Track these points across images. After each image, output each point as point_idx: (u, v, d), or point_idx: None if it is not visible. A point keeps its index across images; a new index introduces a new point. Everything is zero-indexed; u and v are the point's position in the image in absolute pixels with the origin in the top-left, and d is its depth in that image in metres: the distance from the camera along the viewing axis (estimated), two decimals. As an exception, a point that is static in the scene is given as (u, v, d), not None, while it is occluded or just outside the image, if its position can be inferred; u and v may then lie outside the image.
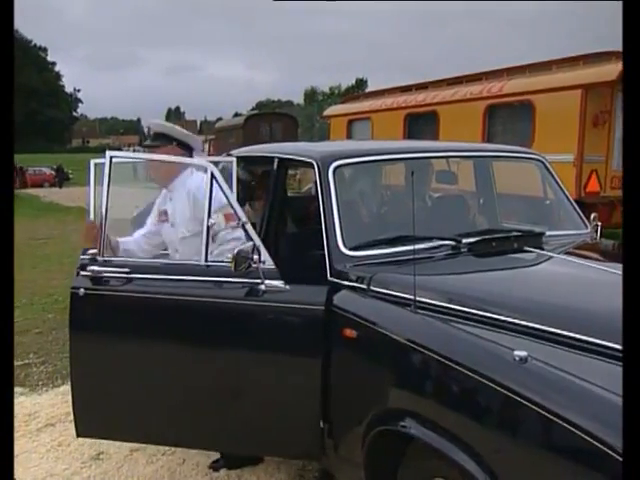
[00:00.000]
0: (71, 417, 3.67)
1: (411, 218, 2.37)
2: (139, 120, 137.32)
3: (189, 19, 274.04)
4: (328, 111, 15.74)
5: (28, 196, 25.31)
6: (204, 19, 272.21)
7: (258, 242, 2.64)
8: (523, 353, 1.74)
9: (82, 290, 2.79)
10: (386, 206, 3.27)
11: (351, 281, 2.59)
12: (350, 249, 2.71)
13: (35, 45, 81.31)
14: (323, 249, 2.73)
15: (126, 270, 2.82)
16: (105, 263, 2.87)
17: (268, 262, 2.64)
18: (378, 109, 12.74)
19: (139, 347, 2.83)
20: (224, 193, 2.77)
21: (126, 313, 2.83)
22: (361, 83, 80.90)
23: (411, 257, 2.57)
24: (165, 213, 3.15)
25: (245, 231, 2.69)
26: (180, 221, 3.05)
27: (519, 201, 3.92)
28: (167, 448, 3.36)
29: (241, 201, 3.33)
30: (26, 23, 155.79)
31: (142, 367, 2.85)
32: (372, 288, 2.48)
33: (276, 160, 3.33)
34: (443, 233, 2.85)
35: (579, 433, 1.52)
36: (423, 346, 2.05)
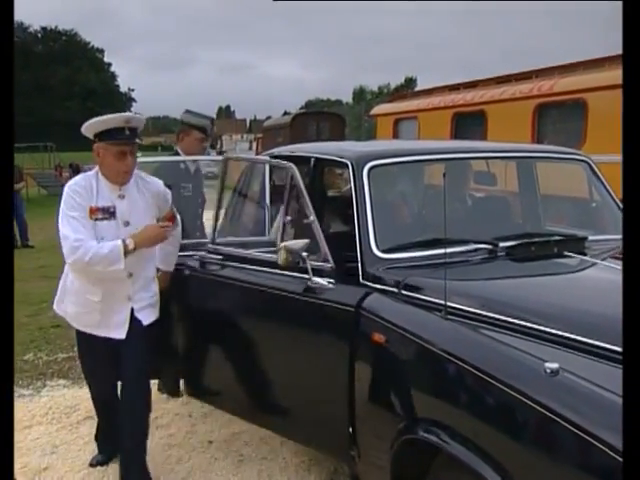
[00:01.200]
0: (109, 411, 3.81)
1: (447, 220, 2.32)
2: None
3: (245, 19, 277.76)
4: (375, 110, 15.62)
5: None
6: (260, 19, 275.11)
7: (322, 242, 2.66)
8: (554, 365, 1.67)
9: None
10: (421, 208, 3.21)
11: (383, 284, 2.55)
12: (383, 251, 2.67)
13: (93, 47, 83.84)
14: (355, 250, 2.70)
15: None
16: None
17: (324, 260, 2.67)
18: (425, 108, 12.55)
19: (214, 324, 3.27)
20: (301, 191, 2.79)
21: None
22: (410, 82, 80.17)
23: (445, 261, 2.53)
24: (107, 210, 2.89)
25: (311, 229, 2.73)
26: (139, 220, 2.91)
27: (564, 203, 3.78)
28: (201, 446, 3.39)
29: (275, 200, 3.34)
30: (85, 26, 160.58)
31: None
32: (403, 292, 2.43)
33: (312, 160, 3.31)
34: (480, 236, 2.77)
35: (611, 453, 1.44)
36: (451, 354, 1.99)
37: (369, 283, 2.61)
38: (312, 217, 2.71)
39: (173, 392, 3.90)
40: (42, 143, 25.76)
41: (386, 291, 2.50)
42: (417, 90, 15.61)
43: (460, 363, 1.96)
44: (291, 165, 2.87)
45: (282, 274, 2.81)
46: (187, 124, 4.07)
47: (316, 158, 3.28)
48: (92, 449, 3.38)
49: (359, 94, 79.45)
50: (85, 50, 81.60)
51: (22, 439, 3.49)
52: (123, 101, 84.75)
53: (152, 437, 3.47)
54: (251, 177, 3.67)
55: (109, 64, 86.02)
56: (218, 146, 52.75)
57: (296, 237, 2.90)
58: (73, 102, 70.75)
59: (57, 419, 3.73)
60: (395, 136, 13.45)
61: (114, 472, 3.10)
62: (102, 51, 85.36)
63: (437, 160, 3.10)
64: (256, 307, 3.04)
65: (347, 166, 2.90)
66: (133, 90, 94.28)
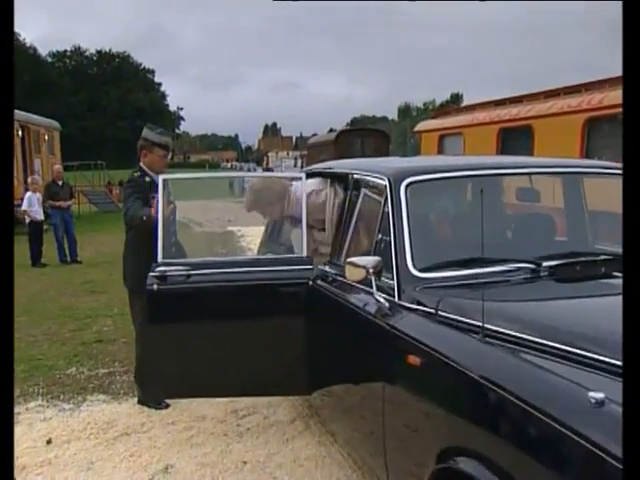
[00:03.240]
0: (145, 428, 3.83)
1: (487, 239, 2.23)
2: (237, 136, 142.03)
3: (293, 38, 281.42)
4: (419, 126, 15.50)
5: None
6: (310, 37, 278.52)
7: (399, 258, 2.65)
8: (600, 395, 1.55)
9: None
10: (460, 225, 3.11)
11: (419, 304, 2.46)
12: (420, 270, 2.59)
13: (144, 68, 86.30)
14: (391, 270, 2.63)
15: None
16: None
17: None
18: (470, 124, 12.38)
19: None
20: None
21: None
22: (456, 98, 79.67)
23: (484, 281, 2.45)
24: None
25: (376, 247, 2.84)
26: None
27: (614, 221, 3.61)
28: (235, 467, 3.34)
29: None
30: (138, 48, 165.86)
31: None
32: (440, 313, 2.34)
33: (349, 176, 3.26)
34: (522, 255, 2.66)
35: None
36: (490, 380, 1.89)
37: (405, 303, 2.54)
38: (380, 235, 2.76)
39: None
40: (93, 161, 26.53)
41: (422, 312, 2.42)
42: (461, 106, 15.43)
43: (499, 390, 1.85)
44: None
45: (359, 289, 2.84)
46: (149, 141, 4.14)
47: (354, 174, 3.23)
48: (127, 466, 3.37)
49: (404, 111, 79.37)
50: (136, 71, 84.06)
51: (60, 454, 3.52)
52: (172, 120, 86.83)
53: (186, 455, 3.45)
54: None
55: (159, 84, 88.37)
56: (264, 163, 53.34)
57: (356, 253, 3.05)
58: (124, 122, 72.81)
59: (94, 435, 3.74)
60: (440, 152, 13.30)
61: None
62: (152, 72, 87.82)
63: (476, 176, 3.01)
64: (340, 320, 3.13)
65: (385, 182, 2.85)
66: (182, 109, 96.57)
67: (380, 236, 2.86)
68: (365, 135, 23.82)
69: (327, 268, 3.35)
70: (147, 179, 4.12)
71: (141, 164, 4.18)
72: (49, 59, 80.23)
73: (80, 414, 4.07)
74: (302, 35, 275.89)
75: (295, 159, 41.22)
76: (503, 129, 11.12)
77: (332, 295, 3.12)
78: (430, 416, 2.16)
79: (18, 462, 3.43)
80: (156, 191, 3.91)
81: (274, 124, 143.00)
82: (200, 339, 3.46)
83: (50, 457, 3.48)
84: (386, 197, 2.84)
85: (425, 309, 2.42)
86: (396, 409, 2.40)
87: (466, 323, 2.19)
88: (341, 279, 3.10)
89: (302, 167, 29.15)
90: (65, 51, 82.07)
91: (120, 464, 3.40)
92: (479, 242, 2.37)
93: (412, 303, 2.51)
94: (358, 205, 3.28)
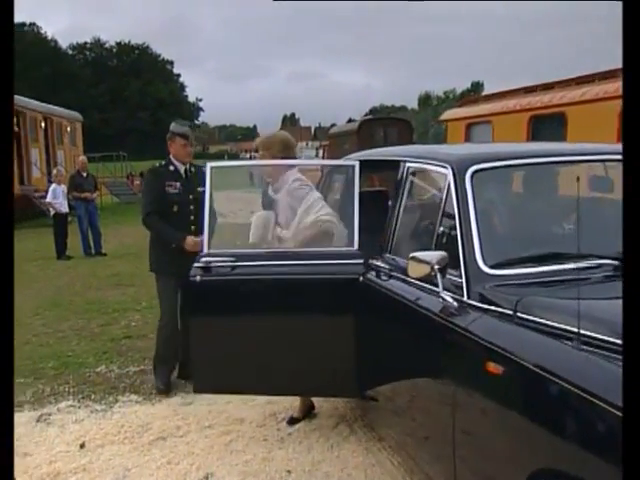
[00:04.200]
0: (181, 432, 3.64)
1: (563, 231, 1.99)
2: (255, 127, 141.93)
3: (311, 29, 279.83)
4: (445, 115, 15.13)
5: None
6: (328, 27, 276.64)
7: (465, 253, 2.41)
8: None
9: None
10: (532, 217, 2.84)
11: (493, 305, 2.22)
12: (491, 267, 2.35)
13: (163, 59, 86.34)
14: (459, 266, 2.39)
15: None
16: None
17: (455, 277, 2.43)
18: (499, 112, 11.99)
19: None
20: None
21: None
22: (477, 86, 78.69)
23: (565, 278, 2.20)
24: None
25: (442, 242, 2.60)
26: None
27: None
28: (279, 476, 3.13)
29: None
30: (157, 40, 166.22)
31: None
32: (520, 315, 2.09)
33: (404, 164, 3.01)
34: (603, 250, 2.40)
35: None
36: (590, 393, 1.65)
37: (475, 302, 2.30)
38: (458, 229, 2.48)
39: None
40: (115, 153, 26.50)
41: (498, 313, 2.17)
42: (490, 93, 15.02)
43: (601, 404, 1.61)
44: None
45: (420, 286, 2.62)
46: (171, 132, 4.39)
47: (409, 162, 2.98)
48: (164, 474, 3.18)
49: (425, 100, 78.61)
50: (155, 62, 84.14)
51: (95, 460, 3.33)
52: (191, 110, 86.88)
53: (226, 463, 3.25)
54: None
55: (178, 75, 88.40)
56: (283, 154, 53.10)
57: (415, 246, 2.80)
58: (145, 113, 73.02)
59: (129, 439, 3.55)
60: (467, 141, 12.96)
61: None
62: (171, 63, 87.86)
63: (550, 163, 2.74)
64: (399, 319, 2.89)
65: (447, 171, 2.59)
66: (201, 100, 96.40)
67: (442, 229, 2.62)
68: (388, 124, 23.45)
69: (377, 262, 3.11)
70: (171, 168, 4.36)
71: (170, 155, 4.42)
72: (70, 51, 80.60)
73: (113, 416, 3.89)
74: (320, 25, 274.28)
75: (316, 149, 40.90)
76: (534, 117, 10.75)
77: (387, 292, 2.88)
78: (517, 432, 1.91)
79: (52, 467, 3.27)
80: (176, 179, 4.31)
81: (292, 114, 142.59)
82: (244, 333, 3.32)
83: (84, 463, 3.29)
84: (449, 187, 2.59)
85: (500, 310, 2.18)
86: (471, 417, 2.17)
87: (554, 327, 1.95)
88: (397, 274, 2.87)
89: (323, 157, 28.80)
90: (85, 43, 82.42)
91: (157, 472, 3.20)
92: (555, 236, 2.12)
93: (483, 303, 2.27)
94: (413, 195, 3.03)
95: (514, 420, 1.93)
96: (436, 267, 2.36)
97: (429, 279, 2.47)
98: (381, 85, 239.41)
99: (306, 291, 3.25)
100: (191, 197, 4.27)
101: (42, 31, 76.92)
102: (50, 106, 21.02)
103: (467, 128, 13.04)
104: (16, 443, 3.57)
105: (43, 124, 19.02)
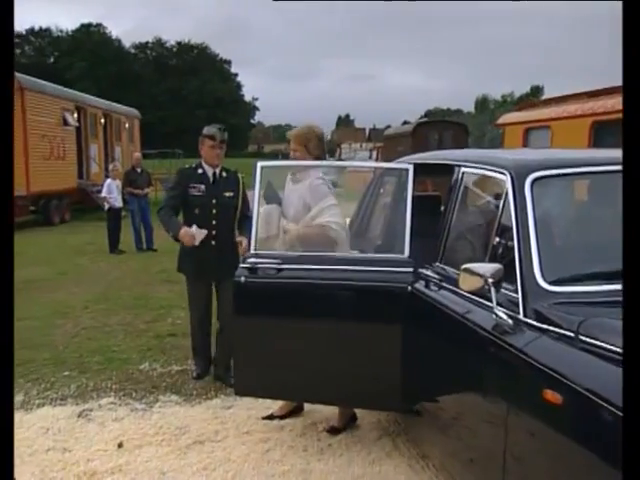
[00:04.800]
0: (219, 437, 3.56)
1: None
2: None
3: (370, 31, 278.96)
4: (502, 119, 14.71)
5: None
6: (385, 31, 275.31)
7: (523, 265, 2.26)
8: None
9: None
10: (597, 230, 2.63)
11: (552, 324, 2.04)
12: (550, 283, 2.17)
13: (221, 59, 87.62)
14: (515, 281, 2.22)
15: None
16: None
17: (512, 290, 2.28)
18: (559, 117, 11.54)
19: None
20: None
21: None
22: (537, 90, 76.68)
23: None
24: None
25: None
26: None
27: None
28: (316, 489, 3.02)
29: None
30: (215, 39, 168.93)
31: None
32: (583, 338, 1.90)
33: (459, 169, 2.85)
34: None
35: None
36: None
37: (532, 321, 2.12)
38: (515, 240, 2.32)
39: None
40: (171, 150, 26.96)
41: (558, 335, 1.99)
42: (549, 97, 14.53)
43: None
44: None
45: (473, 300, 2.47)
46: (202, 134, 4.34)
47: (464, 167, 2.82)
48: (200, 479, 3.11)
49: (482, 103, 77.18)
50: (214, 62, 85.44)
51: (132, 461, 3.29)
52: (247, 110, 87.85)
53: (262, 473, 3.15)
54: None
55: (235, 74, 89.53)
56: (337, 154, 53.07)
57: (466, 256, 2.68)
58: (203, 111, 74.32)
59: (167, 441, 3.50)
60: (525, 146, 12.57)
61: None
62: (229, 62, 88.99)
63: (615, 172, 2.52)
64: (448, 333, 2.73)
65: (505, 177, 2.42)
66: (257, 99, 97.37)
67: (498, 240, 2.44)
68: (443, 127, 23.08)
69: (427, 271, 2.96)
70: (199, 170, 4.32)
71: (201, 158, 4.40)
72: (132, 51, 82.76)
73: (152, 416, 3.85)
74: (380, 27, 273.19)
75: (370, 151, 40.66)
76: (597, 122, 10.29)
77: (436, 304, 2.73)
78: (576, 467, 1.73)
79: (89, 466, 3.24)
80: (201, 182, 4.26)
81: (347, 115, 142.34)
82: (287, 338, 3.25)
83: (121, 463, 3.26)
84: (506, 194, 2.42)
85: (560, 331, 2.00)
86: (525, 444, 2.01)
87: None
88: (448, 286, 2.71)
89: (377, 159, 28.58)
90: (147, 42, 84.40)
91: (192, 477, 3.12)
92: (620, 251, 1.92)
93: (541, 322, 2.09)
94: (468, 202, 2.86)
95: (574, 455, 1.76)
96: (490, 280, 2.20)
97: (482, 293, 2.31)
98: (438, 87, 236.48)
99: (352, 298, 3.14)
100: (214, 201, 4.24)
101: (107, 31, 79.19)
102: (110, 103, 21.53)
103: (525, 133, 12.64)
104: (56, 437, 3.59)
105: (103, 120, 19.49)
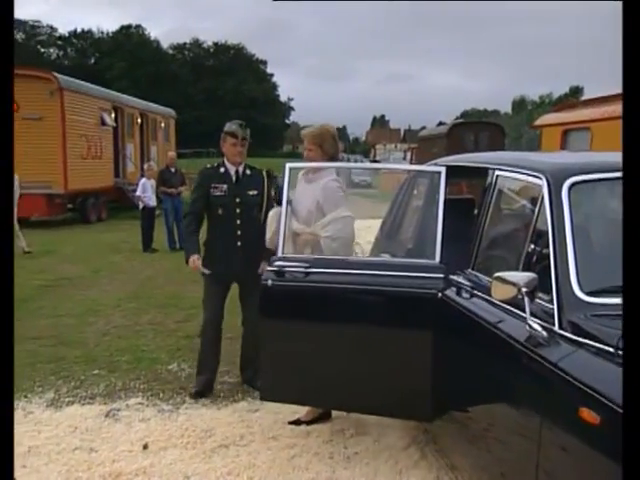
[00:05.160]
0: (245, 441, 3.52)
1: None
2: (345, 128, 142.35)
3: (408, 31, 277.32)
4: (540, 120, 14.40)
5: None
6: (425, 30, 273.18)
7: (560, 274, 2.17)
8: None
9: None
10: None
11: (589, 338, 1.94)
12: (588, 294, 2.07)
13: (257, 59, 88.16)
14: (550, 291, 2.12)
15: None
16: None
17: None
18: (600, 118, 11.20)
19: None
20: None
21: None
22: (576, 91, 75.09)
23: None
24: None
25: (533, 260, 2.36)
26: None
27: None
28: (341, 497, 2.96)
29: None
30: (251, 40, 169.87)
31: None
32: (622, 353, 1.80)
33: (493, 172, 2.76)
34: None
35: None
36: None
37: (568, 334, 2.02)
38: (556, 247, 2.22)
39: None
40: (205, 149, 27.21)
41: (595, 348, 1.89)
42: (589, 98, 14.16)
43: None
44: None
45: (505, 309, 2.38)
46: (223, 132, 4.27)
47: (498, 170, 2.72)
48: (224, 485, 3.07)
49: (519, 104, 75.98)
50: (250, 62, 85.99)
51: (156, 463, 3.27)
52: (282, 110, 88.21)
53: (288, 480, 3.10)
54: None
55: (271, 75, 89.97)
56: (372, 155, 52.84)
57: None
58: (238, 111, 74.93)
59: (192, 444, 3.48)
60: (563, 148, 12.28)
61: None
62: (265, 62, 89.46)
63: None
64: (479, 342, 2.64)
65: (541, 181, 2.32)
66: (292, 99, 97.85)
67: (532, 247, 2.35)
68: (479, 129, 22.68)
69: (459, 278, 2.87)
70: (221, 169, 4.23)
71: (224, 157, 4.32)
72: (170, 51, 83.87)
73: (179, 417, 3.84)
74: (416, 27, 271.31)
75: (404, 152, 40.37)
76: (640, 124, 10.00)
77: (467, 312, 2.64)
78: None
79: (114, 467, 3.23)
80: (223, 181, 4.17)
81: (382, 116, 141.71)
82: (314, 343, 3.19)
83: (145, 465, 3.24)
84: (542, 200, 2.32)
85: (598, 345, 1.89)
86: (559, 461, 1.91)
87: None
88: (479, 293, 2.62)
89: (411, 160, 28.32)
90: (184, 43, 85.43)
91: (217, 482, 3.10)
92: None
93: (577, 335, 1.99)
94: (501, 207, 2.77)
95: (610, 478, 1.65)
96: (524, 290, 2.11)
97: (515, 302, 2.22)
98: (475, 88, 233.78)
99: (381, 303, 3.07)
100: (238, 200, 4.12)
101: (146, 32, 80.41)
102: (147, 103, 21.82)
103: (563, 134, 12.34)
104: (84, 436, 3.61)
105: (139, 120, 19.76)
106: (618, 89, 11.86)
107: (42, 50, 74.99)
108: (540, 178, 2.34)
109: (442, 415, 3.05)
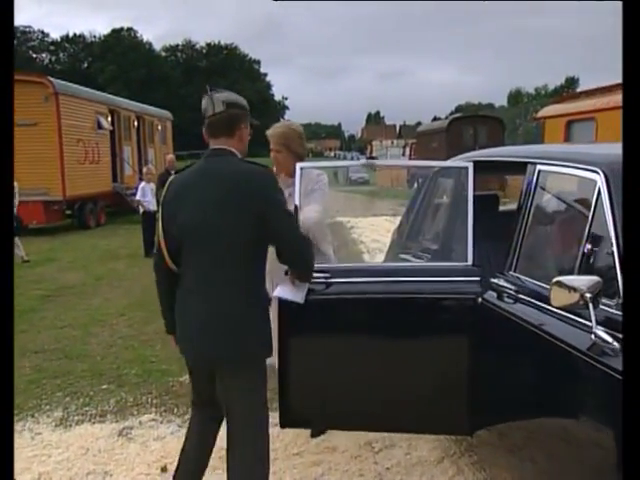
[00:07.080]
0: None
1: None
2: (340, 125, 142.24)
3: (401, 27, 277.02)
4: (543, 112, 14.24)
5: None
6: (418, 27, 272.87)
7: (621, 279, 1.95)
8: None
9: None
10: None
11: None
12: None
13: (250, 59, 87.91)
14: (615, 296, 1.92)
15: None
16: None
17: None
18: (605, 108, 11.05)
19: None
20: None
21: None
22: (572, 82, 75.04)
23: None
24: None
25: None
26: None
27: None
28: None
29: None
30: (245, 40, 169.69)
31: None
32: None
33: (533, 166, 2.55)
34: None
35: None
36: None
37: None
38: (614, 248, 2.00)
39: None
40: (202, 151, 26.99)
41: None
42: (594, 88, 13.98)
43: None
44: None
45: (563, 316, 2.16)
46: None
47: (540, 164, 2.51)
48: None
49: (515, 97, 75.91)
50: (243, 62, 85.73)
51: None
52: (277, 109, 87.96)
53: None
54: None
55: (265, 74, 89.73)
56: (368, 152, 52.59)
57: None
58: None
59: (212, 465, 3.25)
60: (567, 140, 12.11)
61: None
62: (258, 62, 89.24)
63: None
64: (527, 350, 2.42)
65: (596, 175, 2.12)
66: (287, 98, 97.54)
67: (589, 248, 2.14)
68: (478, 122, 22.61)
69: (499, 281, 2.66)
70: None
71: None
72: (163, 53, 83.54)
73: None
74: (409, 23, 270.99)
75: (403, 147, 40.19)
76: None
77: (513, 318, 2.43)
78: None
79: (130, 491, 3.03)
80: None
81: (377, 112, 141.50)
82: (338, 359, 2.90)
83: (164, 489, 3.04)
84: (599, 196, 2.11)
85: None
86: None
87: None
88: (525, 298, 2.41)
89: (411, 156, 28.15)
90: (177, 45, 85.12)
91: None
92: None
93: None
94: (546, 205, 2.56)
95: None
96: (588, 296, 1.90)
97: (572, 308, 2.02)
98: (468, 82, 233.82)
99: (412, 312, 2.82)
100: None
101: (138, 35, 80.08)
102: (143, 105, 21.57)
103: (567, 125, 12.18)
104: (96, 459, 3.40)
105: (136, 123, 19.52)
106: (615, 79, 11.69)
107: (34, 55, 74.74)
108: (596, 172, 2.13)
109: (479, 429, 2.85)
